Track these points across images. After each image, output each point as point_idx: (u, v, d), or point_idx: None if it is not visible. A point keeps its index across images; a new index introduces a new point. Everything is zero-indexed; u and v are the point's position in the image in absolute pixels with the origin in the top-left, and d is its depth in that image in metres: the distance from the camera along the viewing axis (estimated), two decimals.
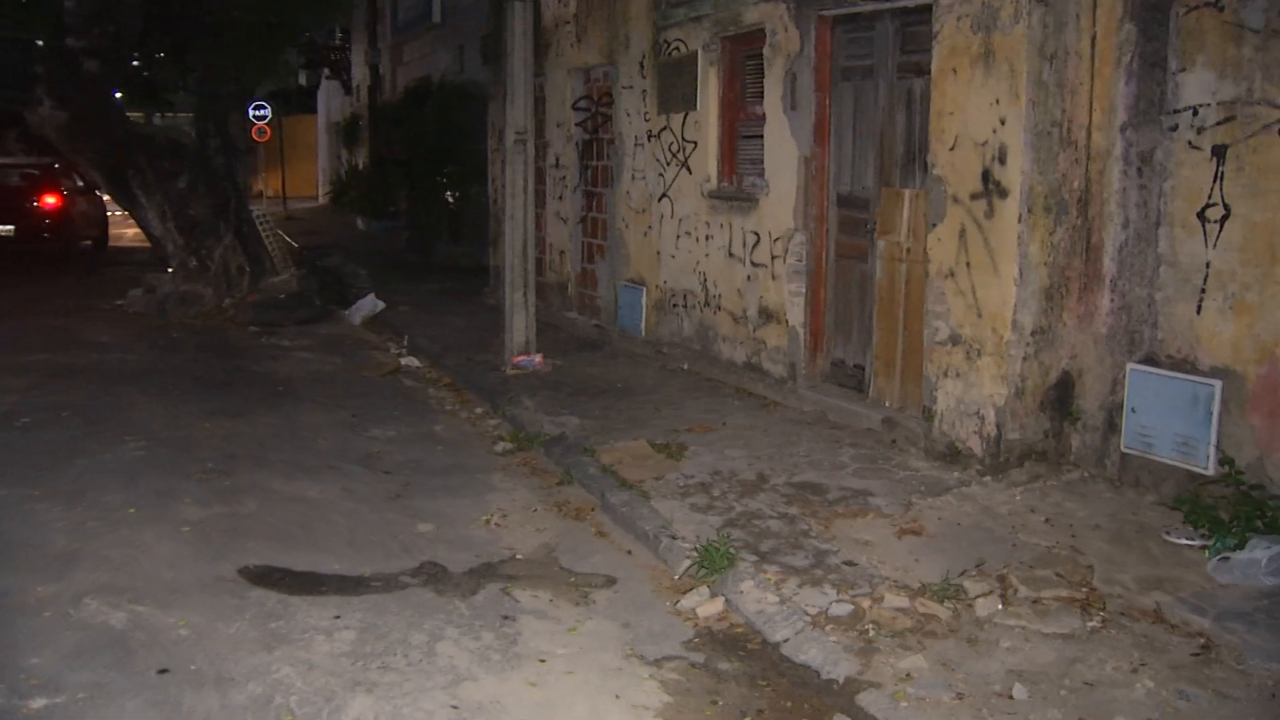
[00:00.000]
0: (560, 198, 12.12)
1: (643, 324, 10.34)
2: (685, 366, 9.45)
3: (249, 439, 7.60)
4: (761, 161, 8.56)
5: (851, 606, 4.78)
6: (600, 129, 11.33)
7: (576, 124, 11.73)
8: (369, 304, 13.17)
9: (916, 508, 5.97)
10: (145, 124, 30.64)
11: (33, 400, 8.51)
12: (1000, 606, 4.75)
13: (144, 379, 9.43)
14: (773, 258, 8.39)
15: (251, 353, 11.03)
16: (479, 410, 8.67)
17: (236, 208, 14.40)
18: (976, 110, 6.33)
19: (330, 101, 36.61)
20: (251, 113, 28.05)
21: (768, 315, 8.50)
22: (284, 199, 30.35)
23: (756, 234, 8.58)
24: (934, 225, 6.68)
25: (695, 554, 5.33)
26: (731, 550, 5.30)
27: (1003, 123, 6.15)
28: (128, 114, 15.94)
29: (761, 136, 8.56)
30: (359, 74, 31.15)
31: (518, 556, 5.59)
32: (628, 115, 10.50)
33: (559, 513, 6.29)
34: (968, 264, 6.44)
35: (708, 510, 6.01)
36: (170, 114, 31.53)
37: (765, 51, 8.31)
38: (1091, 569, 5.09)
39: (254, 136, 29.29)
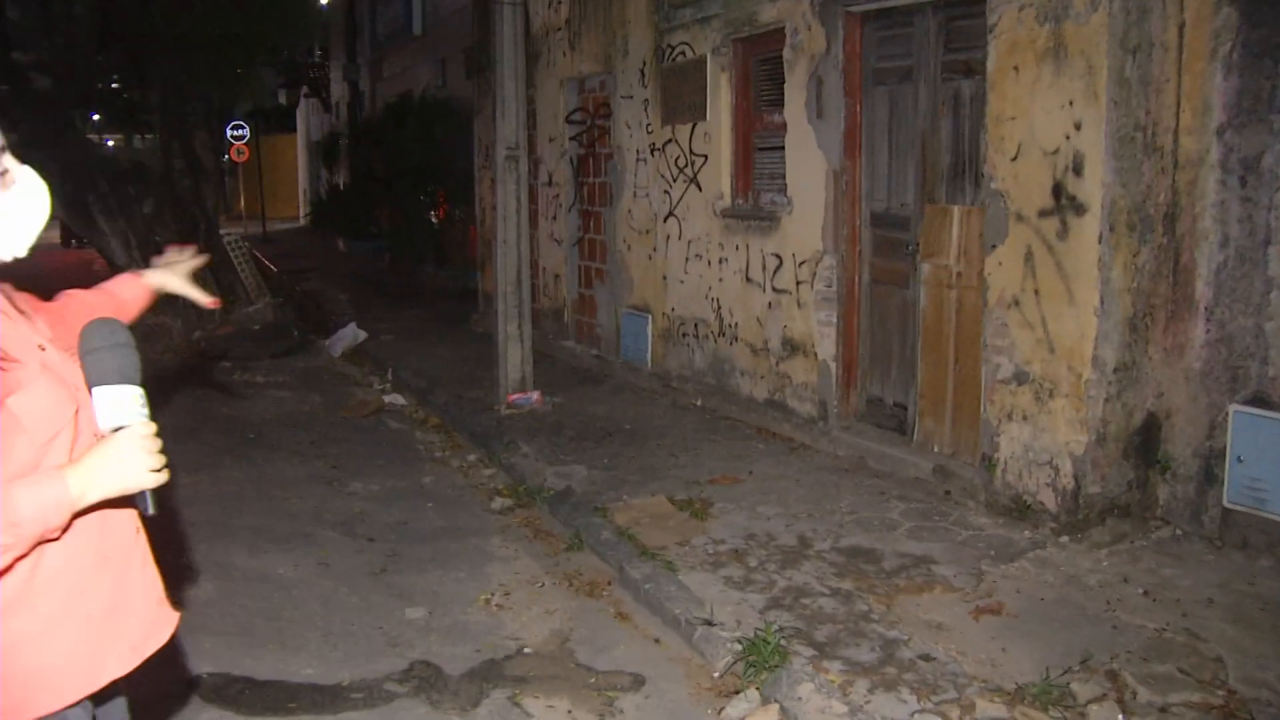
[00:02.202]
0: (554, 217, 11.24)
1: (648, 355, 9.46)
2: (698, 403, 8.57)
3: (211, 499, 6.70)
4: (783, 176, 7.70)
5: (938, 718, 3.91)
6: (597, 143, 10.47)
7: (571, 138, 10.86)
8: (349, 334, 12.27)
9: (989, 578, 5.09)
10: (121, 147, 29.68)
11: None
12: (1120, 716, 3.88)
13: None
14: (798, 283, 7.53)
15: (222, 392, 10.12)
16: (472, 458, 7.77)
17: (206, 233, 13.52)
18: (1045, 114, 5.48)
19: (310, 120, 35.71)
20: (230, 133, 27.18)
21: (793, 347, 7.63)
22: (263, 220, 29.38)
23: (778, 257, 7.72)
24: (993, 247, 5.82)
25: (738, 645, 4.46)
26: (782, 642, 4.43)
27: (1078, 128, 5.30)
28: (104, 137, 15.01)
29: (782, 148, 7.71)
30: (338, 90, 30.25)
31: (526, 650, 4.69)
32: (628, 128, 9.64)
33: (570, 588, 5.40)
34: (1036, 291, 5.59)
35: (746, 585, 5.12)
36: (150, 135, 30.62)
37: (785, 54, 7.46)
38: (1221, 662, 4.22)
39: (233, 157, 28.44)
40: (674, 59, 8.83)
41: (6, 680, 1.98)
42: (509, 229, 8.65)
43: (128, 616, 2.15)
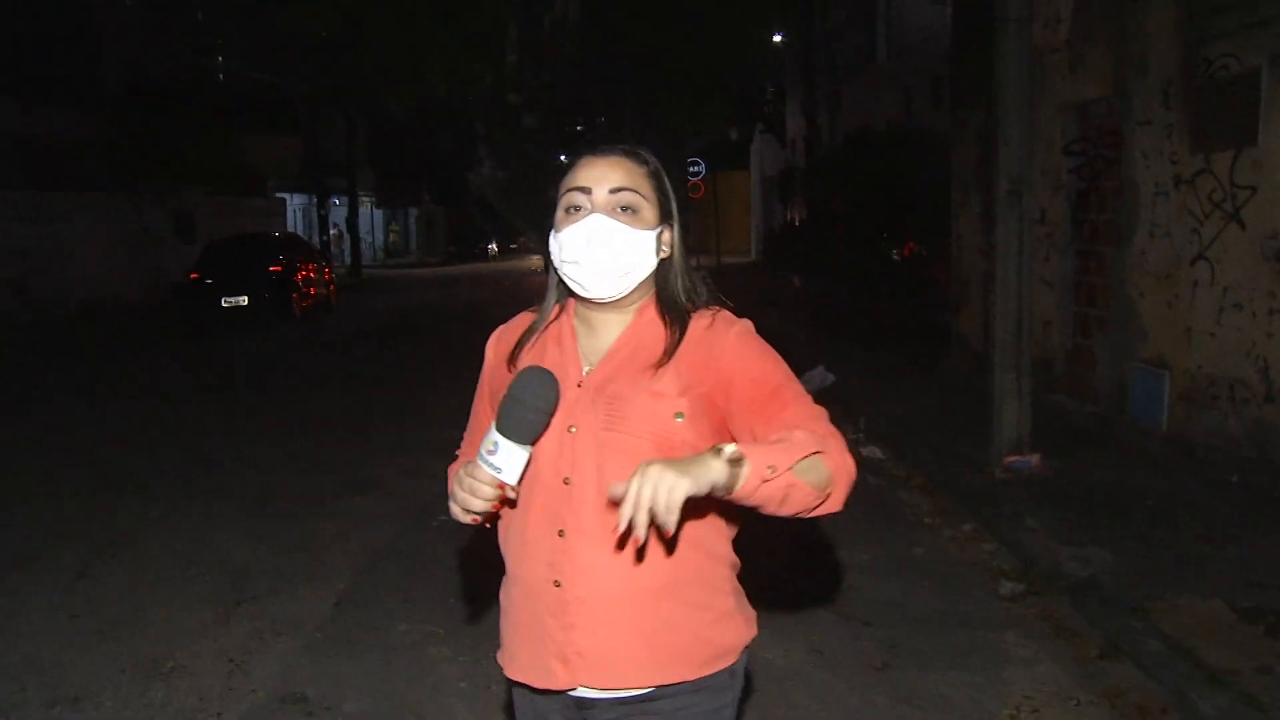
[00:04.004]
0: (1045, 258, 10.17)
1: (1164, 417, 8.21)
2: (1235, 479, 7.25)
3: None
4: None
5: None
6: (1101, 176, 9.34)
7: (1069, 170, 9.79)
8: (819, 376, 11.75)
9: None
10: None
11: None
12: None
13: None
14: None
15: None
16: (967, 527, 6.93)
17: None
18: None
19: (764, 155, 36.21)
20: (687, 169, 27.96)
21: None
22: (718, 256, 29.98)
23: None
24: None
25: None
26: None
27: None
28: None
29: None
30: (793, 125, 30.32)
31: None
32: (1144, 157, 8.46)
33: (1112, 709, 4.46)
34: None
35: None
36: None
37: None
38: None
39: (689, 194, 29.25)
40: (1212, 74, 7.61)
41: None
42: (1009, 271, 7.77)
43: (534, 639, 2.14)
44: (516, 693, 2.28)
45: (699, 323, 2.15)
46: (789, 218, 28.93)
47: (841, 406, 10.65)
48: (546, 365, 2.05)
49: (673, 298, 2.17)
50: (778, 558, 6.38)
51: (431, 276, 36.20)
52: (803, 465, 1.87)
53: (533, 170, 12.08)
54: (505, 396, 1.93)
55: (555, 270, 2.17)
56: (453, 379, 12.55)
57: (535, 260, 42.73)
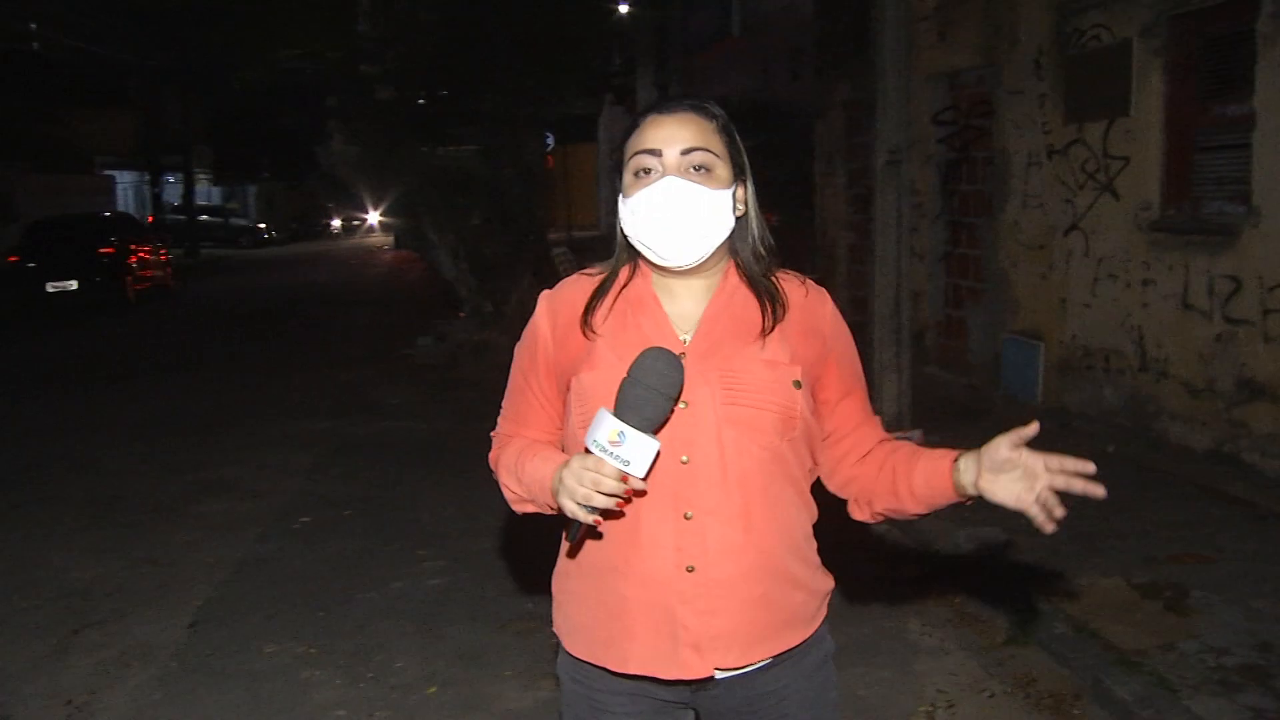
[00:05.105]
0: (914, 229, 10.10)
1: (1038, 388, 8.19)
2: (1110, 449, 7.24)
3: None
4: (1244, 181, 6.34)
5: None
6: (971, 146, 9.28)
7: (938, 140, 9.72)
8: None
9: None
10: (453, 156, 30.73)
11: (314, 489, 7.21)
12: None
13: (436, 457, 8.03)
14: (1264, 312, 6.14)
15: None
16: None
17: (535, 246, 13.17)
18: None
19: (612, 128, 35.82)
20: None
21: (1253, 390, 6.24)
22: (569, 230, 29.54)
23: (1235, 279, 6.35)
24: None
25: None
26: None
27: None
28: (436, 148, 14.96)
29: (1238, 146, 6.34)
30: (645, 97, 30.03)
31: None
32: (1016, 127, 8.41)
33: (1027, 700, 4.29)
34: None
35: None
36: (450, 147, 31.34)
37: (1260, 27, 6.09)
38: None
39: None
40: (1083, 45, 7.56)
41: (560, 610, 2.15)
42: (888, 244, 7.59)
43: (658, 630, 1.96)
44: (592, 681, 2.09)
45: (794, 289, 2.06)
46: None
47: None
48: (633, 336, 1.97)
49: (753, 258, 2.05)
50: None
51: (274, 257, 34.90)
52: None
53: (387, 145, 11.46)
54: (626, 383, 1.78)
55: (622, 232, 2.01)
56: (305, 367, 11.99)
57: (377, 238, 41.74)
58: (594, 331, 2.00)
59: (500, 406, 2.19)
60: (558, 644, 2.16)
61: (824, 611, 2.14)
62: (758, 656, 2.00)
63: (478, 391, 10.69)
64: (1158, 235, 6.98)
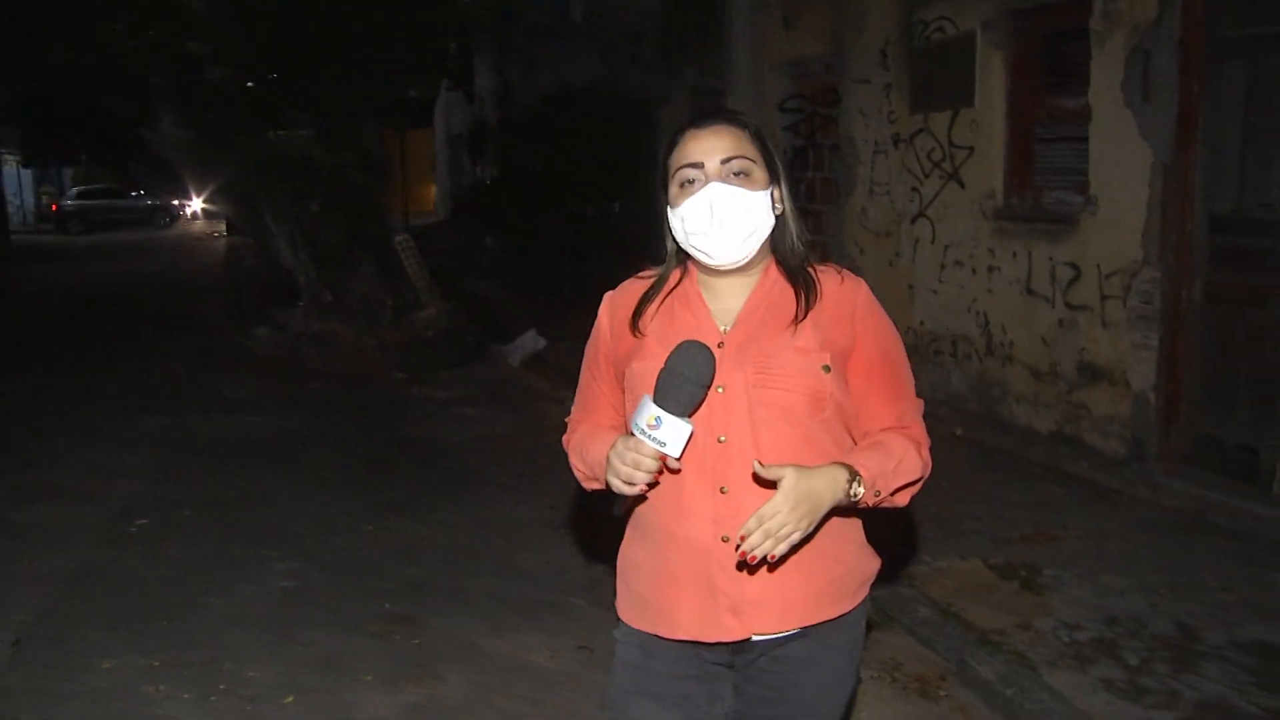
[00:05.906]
0: None
1: None
2: (958, 432, 7.44)
3: (430, 551, 5.76)
4: (1078, 171, 6.54)
5: None
6: (818, 133, 9.39)
7: (785, 128, 9.81)
8: (530, 341, 11.38)
9: None
10: (290, 140, 29.77)
11: (151, 489, 6.75)
12: None
13: (281, 453, 7.68)
14: (1103, 298, 6.36)
15: (404, 410, 9.30)
16: None
17: (375, 233, 12.81)
18: None
19: (450, 113, 35.23)
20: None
21: (1093, 373, 6.47)
22: (406, 215, 28.94)
23: (1074, 266, 6.56)
24: None
25: None
26: None
27: None
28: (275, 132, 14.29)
29: (1076, 139, 6.55)
30: (485, 82, 29.62)
31: None
32: (862, 116, 8.54)
33: (894, 684, 4.34)
34: None
35: (1138, 695, 4.00)
36: (282, 131, 30.32)
37: (1093, 24, 6.28)
38: None
39: None
40: (928, 37, 7.71)
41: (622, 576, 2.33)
42: None
43: (700, 595, 2.15)
44: (647, 646, 2.24)
45: (829, 280, 2.21)
46: (480, 175, 28.30)
47: (556, 371, 10.33)
48: (679, 330, 2.16)
49: (790, 252, 2.23)
50: (519, 540, 5.99)
51: (94, 244, 33.08)
52: (904, 484, 2.15)
53: (221, 128, 10.92)
54: (663, 372, 2.00)
55: (673, 239, 2.22)
56: (136, 361, 11.35)
57: (201, 225, 40.11)
58: (639, 330, 2.23)
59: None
60: (615, 617, 2.33)
61: (864, 593, 2.27)
62: (796, 622, 2.16)
63: (319, 381, 10.35)
64: (1002, 223, 7.17)
